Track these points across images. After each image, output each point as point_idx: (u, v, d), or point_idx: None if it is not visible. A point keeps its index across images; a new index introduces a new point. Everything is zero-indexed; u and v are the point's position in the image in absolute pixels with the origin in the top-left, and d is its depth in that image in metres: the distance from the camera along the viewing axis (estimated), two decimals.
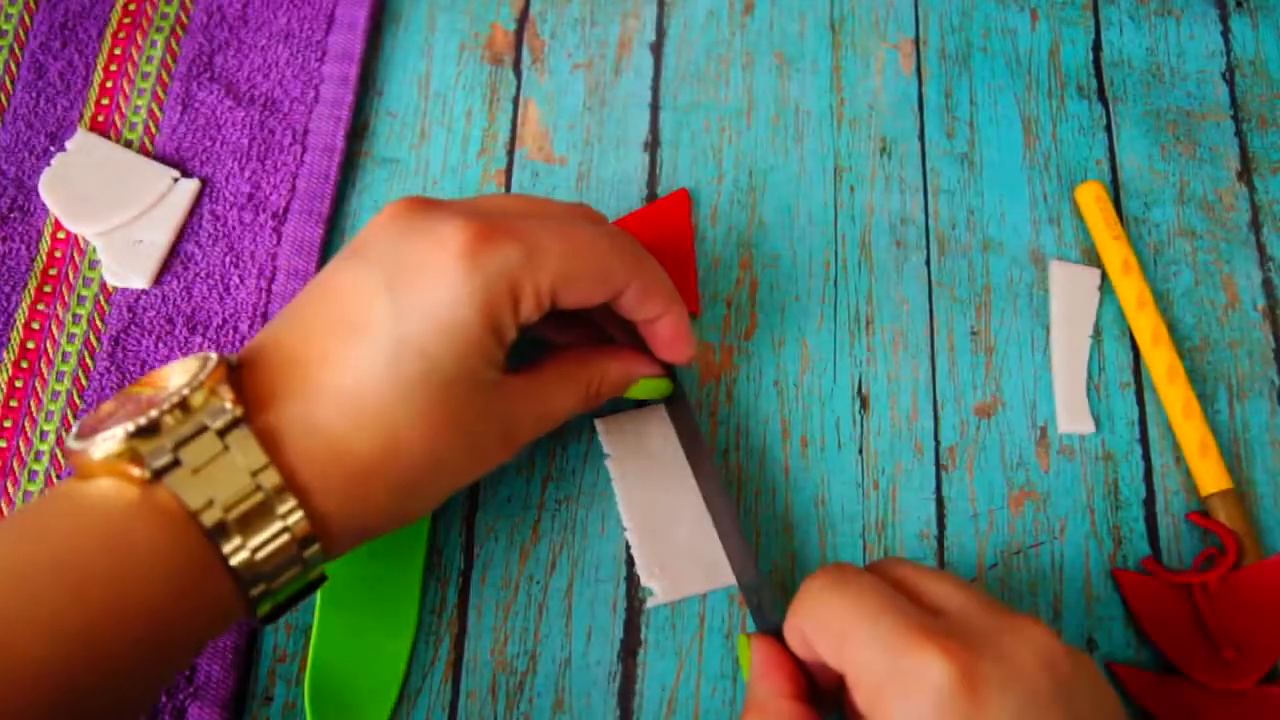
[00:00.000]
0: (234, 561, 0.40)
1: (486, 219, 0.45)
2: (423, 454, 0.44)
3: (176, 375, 0.43)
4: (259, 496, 0.40)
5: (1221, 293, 0.62)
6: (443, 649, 0.54)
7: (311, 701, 0.53)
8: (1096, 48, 0.68)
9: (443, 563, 0.56)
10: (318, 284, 0.46)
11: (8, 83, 0.65)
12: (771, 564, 0.56)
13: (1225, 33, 0.68)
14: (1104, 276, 0.62)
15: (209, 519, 0.40)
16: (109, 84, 0.65)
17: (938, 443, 0.59)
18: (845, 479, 0.58)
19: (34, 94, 0.64)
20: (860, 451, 0.59)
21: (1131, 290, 0.60)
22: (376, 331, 0.43)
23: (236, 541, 0.40)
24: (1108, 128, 0.66)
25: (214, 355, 0.43)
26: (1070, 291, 0.61)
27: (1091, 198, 0.62)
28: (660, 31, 0.68)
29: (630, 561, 0.56)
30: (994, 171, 0.64)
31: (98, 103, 0.64)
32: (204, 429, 0.41)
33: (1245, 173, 0.65)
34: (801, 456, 0.58)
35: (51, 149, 0.63)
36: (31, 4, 0.66)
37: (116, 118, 0.64)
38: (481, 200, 0.50)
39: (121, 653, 0.38)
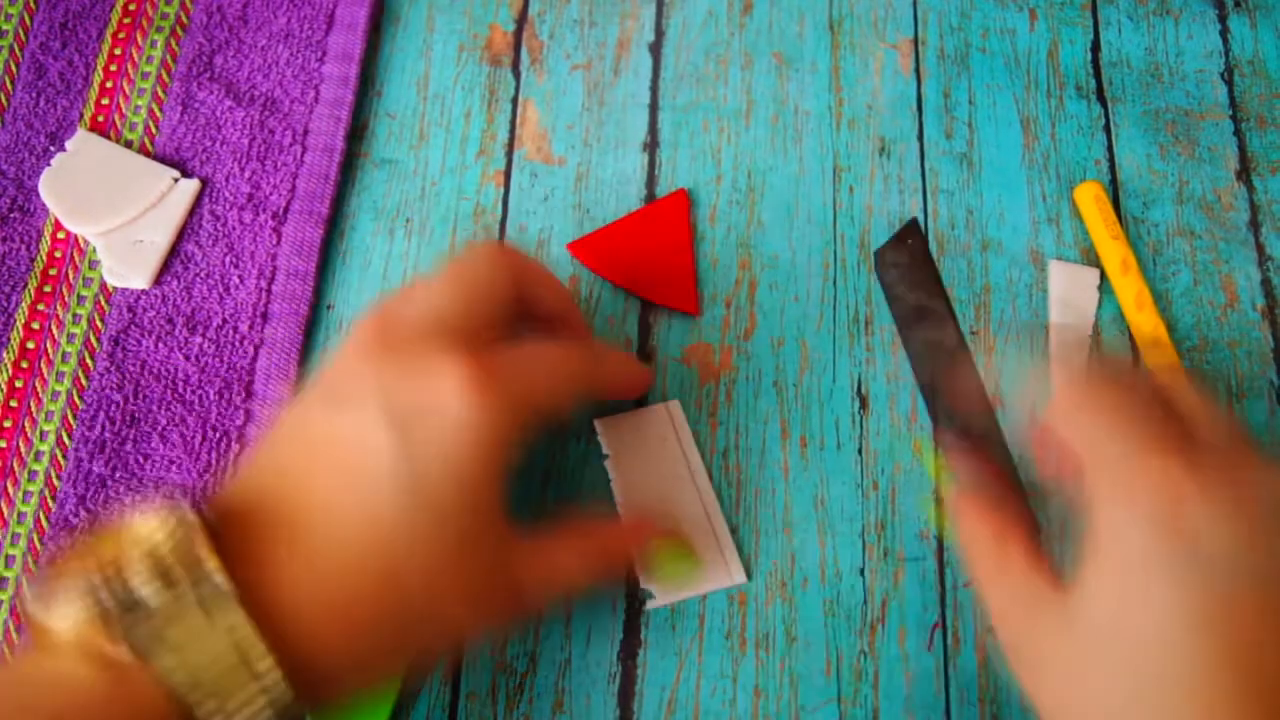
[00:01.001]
0: None
1: (471, 352, 0.43)
2: (425, 605, 0.42)
3: (150, 532, 0.38)
4: (247, 680, 0.37)
5: (1220, 293, 0.61)
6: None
7: None
8: (1095, 48, 0.67)
9: None
10: (301, 431, 0.44)
11: (8, 83, 0.64)
12: (771, 564, 0.55)
13: (1224, 32, 0.67)
14: (1103, 276, 0.61)
15: (193, 700, 0.36)
16: (109, 84, 0.64)
17: (937, 443, 0.57)
18: (845, 479, 0.57)
19: (34, 94, 0.63)
20: (860, 452, 0.57)
21: (1130, 290, 0.59)
22: (387, 480, 0.41)
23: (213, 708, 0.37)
24: (1106, 128, 0.64)
25: (189, 513, 0.39)
26: (1069, 291, 0.60)
27: (1090, 198, 0.61)
28: (659, 32, 0.66)
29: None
30: (993, 171, 0.63)
31: (98, 103, 0.64)
32: (188, 604, 0.37)
33: (1244, 172, 0.63)
34: (801, 457, 0.57)
35: (51, 149, 0.62)
36: (31, 4, 0.65)
37: (116, 118, 0.63)
38: (432, 305, 0.46)
39: None
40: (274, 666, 0.37)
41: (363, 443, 0.41)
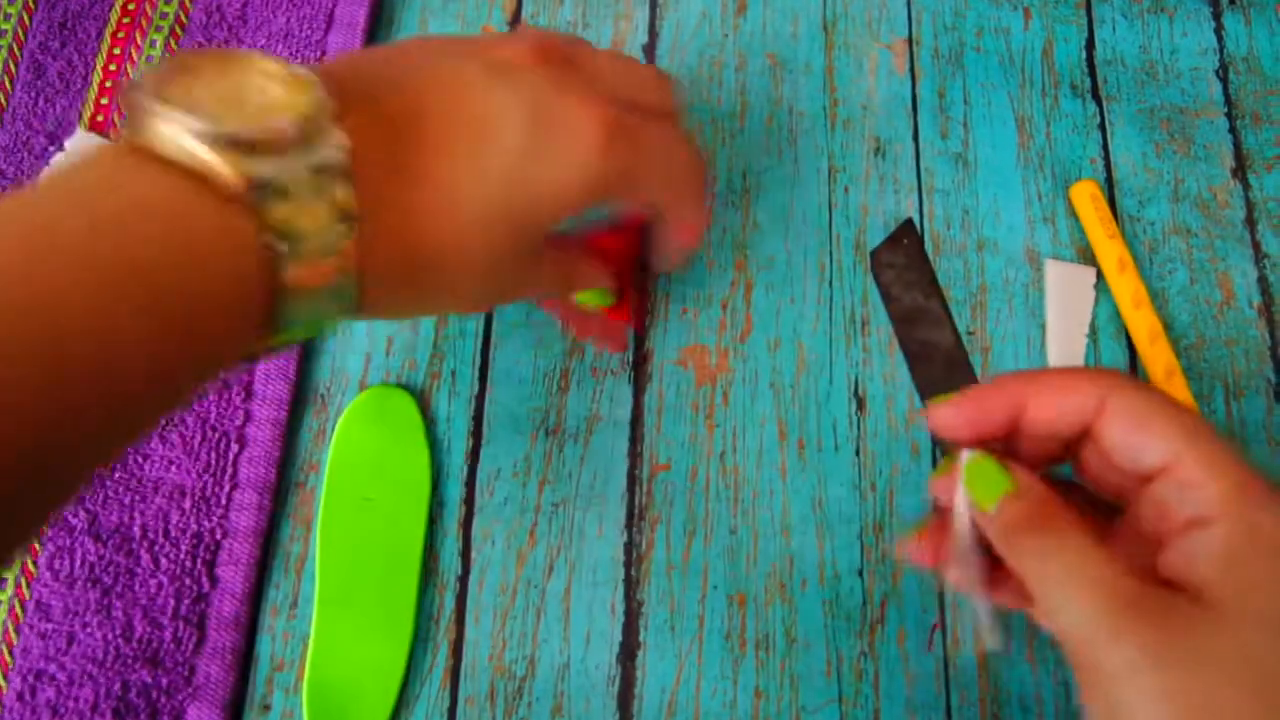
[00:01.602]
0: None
1: (618, 117, 0.44)
2: (472, 268, 0.43)
3: (283, 91, 0.37)
4: (331, 220, 0.36)
5: (1217, 290, 0.60)
6: (441, 655, 0.53)
7: (310, 708, 0.52)
8: (1090, 46, 0.66)
9: (440, 569, 0.55)
10: (455, 77, 0.44)
11: (7, 83, 0.63)
12: (770, 565, 0.54)
13: (1218, 30, 0.66)
14: (1099, 275, 0.60)
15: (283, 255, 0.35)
16: (108, 84, 0.63)
17: (935, 444, 0.56)
18: (842, 480, 0.56)
19: (33, 94, 0.63)
20: (857, 453, 0.57)
21: (1127, 289, 0.59)
22: (504, 154, 0.42)
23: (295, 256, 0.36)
24: (1101, 126, 0.64)
25: (319, 86, 0.37)
26: (1066, 291, 0.60)
27: (1086, 196, 0.61)
28: (653, 33, 0.66)
29: (629, 563, 0.55)
30: (988, 171, 0.62)
31: (97, 102, 0.63)
32: (314, 170, 0.36)
33: (1239, 170, 0.63)
34: (799, 458, 0.56)
35: (50, 149, 0.62)
36: (31, 4, 0.65)
37: (116, 117, 0.63)
38: (594, 61, 0.48)
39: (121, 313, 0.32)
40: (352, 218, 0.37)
41: (501, 110, 0.42)
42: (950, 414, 0.41)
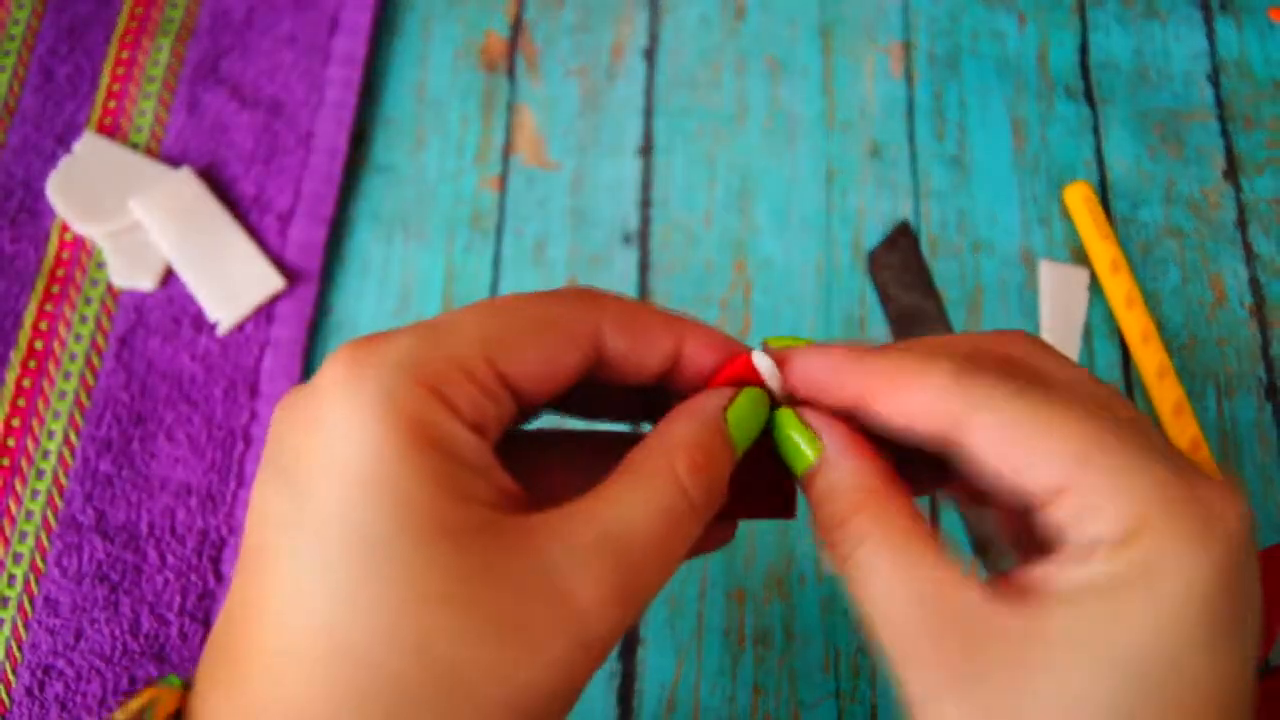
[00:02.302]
0: None
1: (367, 341, 0.30)
2: (423, 675, 0.26)
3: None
4: None
5: (1209, 291, 0.60)
6: None
7: None
8: (1084, 50, 0.66)
9: None
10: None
11: (16, 86, 0.63)
12: (768, 563, 0.54)
13: (1210, 34, 0.66)
14: (1093, 276, 0.60)
15: None
16: (116, 87, 0.63)
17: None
18: None
19: (42, 97, 0.62)
20: None
21: (1120, 289, 0.58)
22: (285, 540, 0.28)
23: None
24: (1095, 129, 0.63)
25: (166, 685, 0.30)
26: (1060, 291, 0.60)
27: (1080, 198, 0.61)
28: (653, 37, 0.65)
29: None
30: (983, 173, 0.62)
31: (105, 106, 0.63)
32: None
33: (1231, 172, 0.62)
34: None
35: (59, 151, 0.61)
36: (39, 8, 0.64)
37: (123, 120, 0.62)
38: (418, 336, 0.31)
39: None
40: None
41: (264, 520, 0.28)
42: (793, 372, 0.33)
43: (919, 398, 0.30)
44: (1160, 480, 0.27)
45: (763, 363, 0.32)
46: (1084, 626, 0.27)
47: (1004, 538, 0.35)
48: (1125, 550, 0.27)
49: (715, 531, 0.36)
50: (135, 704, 0.29)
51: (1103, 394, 0.31)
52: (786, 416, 0.33)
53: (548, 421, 0.35)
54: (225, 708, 0.27)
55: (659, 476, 0.30)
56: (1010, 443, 0.29)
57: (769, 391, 0.33)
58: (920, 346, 0.32)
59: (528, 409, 0.32)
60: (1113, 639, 0.27)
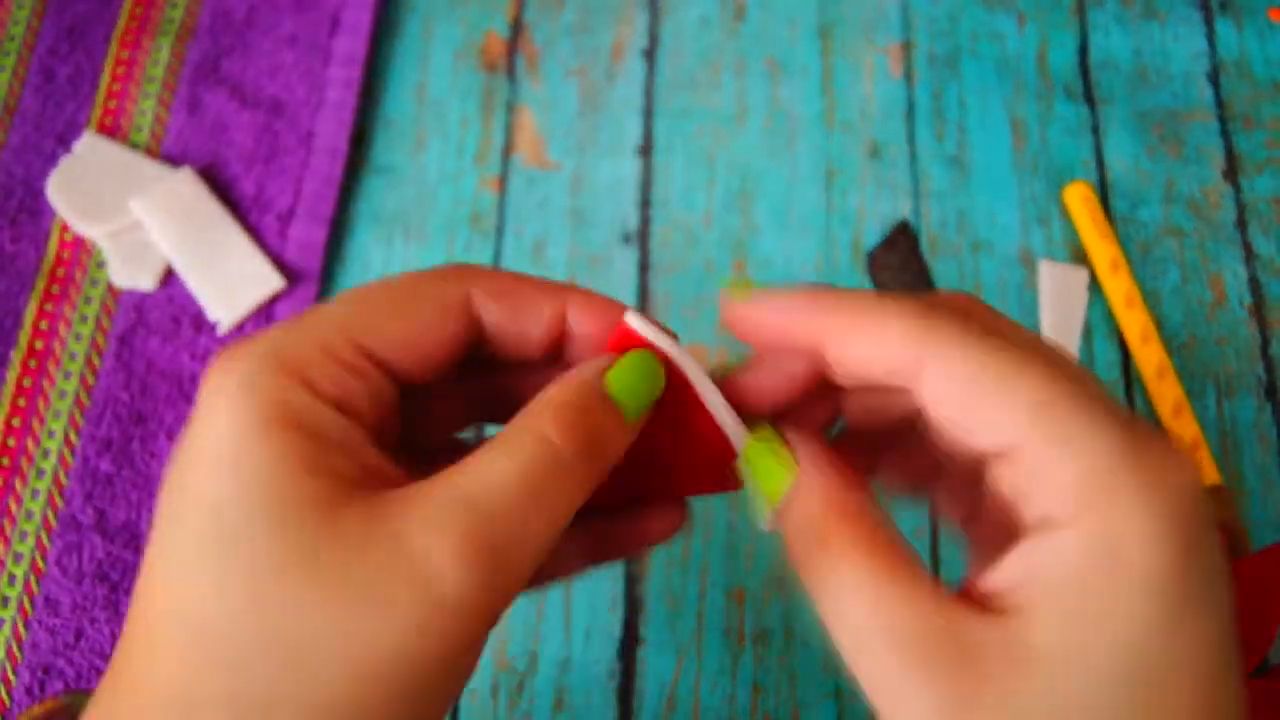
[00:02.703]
0: None
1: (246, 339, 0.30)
2: (241, 638, 0.26)
3: None
4: None
5: (1209, 290, 0.60)
6: None
7: None
8: (1083, 50, 0.65)
9: None
10: None
11: (16, 86, 0.63)
12: (768, 561, 0.54)
13: (1209, 34, 0.66)
14: (1093, 276, 0.60)
15: None
16: (116, 87, 0.63)
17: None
18: None
19: (42, 97, 0.62)
20: None
21: (1120, 289, 0.58)
22: (157, 529, 0.28)
23: None
24: (1095, 129, 0.63)
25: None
26: (1060, 291, 0.59)
27: (1079, 198, 0.60)
28: (653, 38, 0.65)
29: (629, 559, 0.54)
30: (983, 173, 0.62)
31: (105, 106, 0.63)
32: None
33: (1231, 172, 0.62)
34: None
35: (59, 151, 0.61)
36: (40, 8, 0.64)
37: (124, 120, 0.62)
38: (283, 328, 0.32)
39: None
40: None
41: (155, 519, 0.29)
42: (740, 317, 0.32)
43: (880, 337, 0.29)
44: (1113, 441, 0.26)
45: (637, 323, 0.32)
46: (1062, 629, 0.26)
47: (954, 515, 0.34)
48: (1084, 529, 0.26)
49: (664, 517, 0.35)
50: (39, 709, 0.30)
51: (1054, 353, 0.29)
52: (766, 442, 0.32)
53: None
54: (104, 698, 0.28)
55: (522, 435, 0.29)
56: (966, 390, 0.28)
57: (659, 352, 0.32)
58: (875, 294, 0.31)
59: (412, 386, 0.32)
60: (1093, 637, 0.26)
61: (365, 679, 0.26)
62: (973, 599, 0.28)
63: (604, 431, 0.30)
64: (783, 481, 0.31)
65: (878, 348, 0.29)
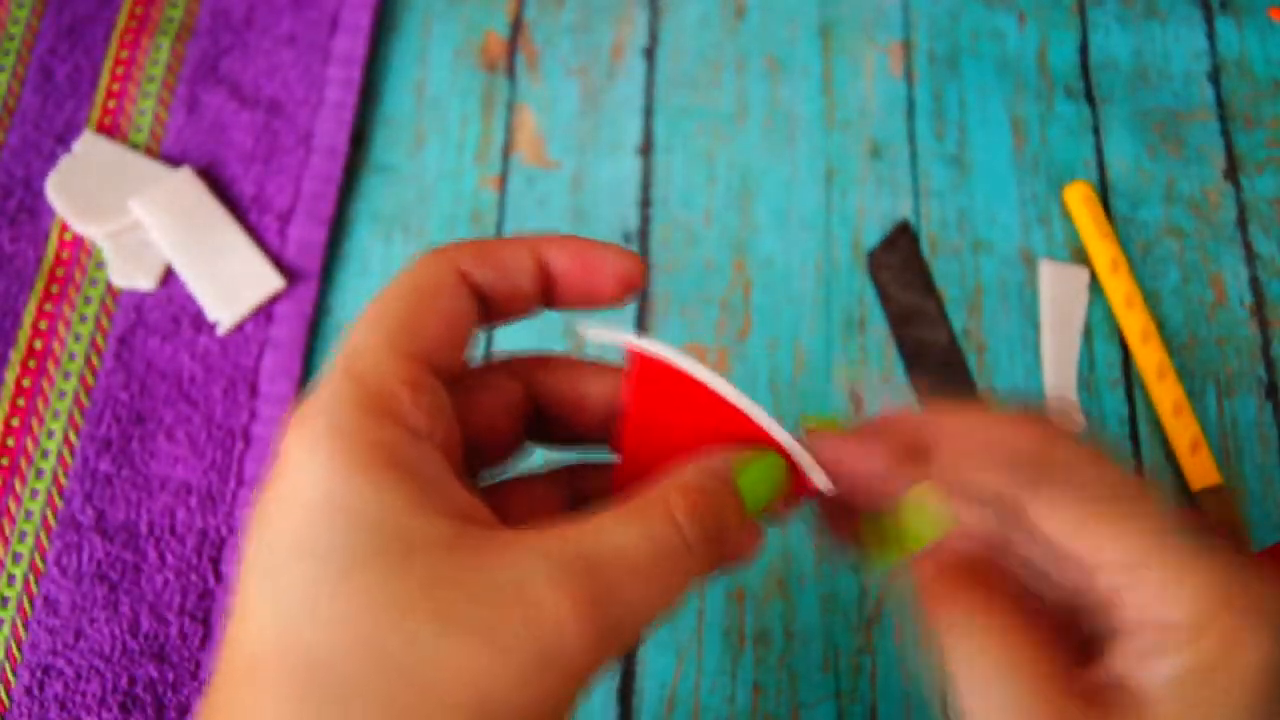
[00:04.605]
0: None
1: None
2: (356, 672, 0.26)
3: None
4: None
5: (1209, 290, 0.60)
6: None
7: None
8: (1084, 50, 0.65)
9: None
10: None
11: (15, 85, 0.63)
12: (768, 561, 0.54)
13: (1210, 34, 0.66)
14: (1093, 275, 0.60)
15: None
16: (116, 87, 0.63)
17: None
18: None
19: (41, 96, 0.62)
20: None
21: (1120, 289, 0.58)
22: (251, 574, 0.28)
23: None
24: (1095, 128, 0.63)
25: None
26: (1060, 291, 0.59)
27: (1080, 198, 0.60)
28: (653, 37, 0.65)
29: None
30: (983, 173, 0.62)
31: (104, 105, 0.62)
32: None
33: (1231, 172, 0.62)
34: None
35: (59, 151, 0.61)
36: (39, 7, 0.64)
37: (123, 120, 0.62)
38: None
39: None
40: None
41: (242, 567, 0.28)
42: (845, 456, 0.33)
43: (975, 486, 0.31)
44: (1221, 572, 0.29)
45: (646, 345, 0.32)
46: (1181, 716, 0.28)
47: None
48: (1198, 641, 0.28)
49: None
50: None
51: (1134, 484, 0.31)
52: (925, 492, 0.32)
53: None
54: None
55: (651, 509, 0.29)
56: (1091, 513, 0.30)
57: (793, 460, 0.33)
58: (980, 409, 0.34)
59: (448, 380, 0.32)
60: None
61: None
62: (1086, 690, 0.30)
63: (727, 522, 0.31)
64: (937, 530, 0.32)
65: (995, 471, 0.31)
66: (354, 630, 0.26)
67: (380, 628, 0.26)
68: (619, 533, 0.28)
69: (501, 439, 0.33)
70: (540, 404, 0.34)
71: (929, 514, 0.32)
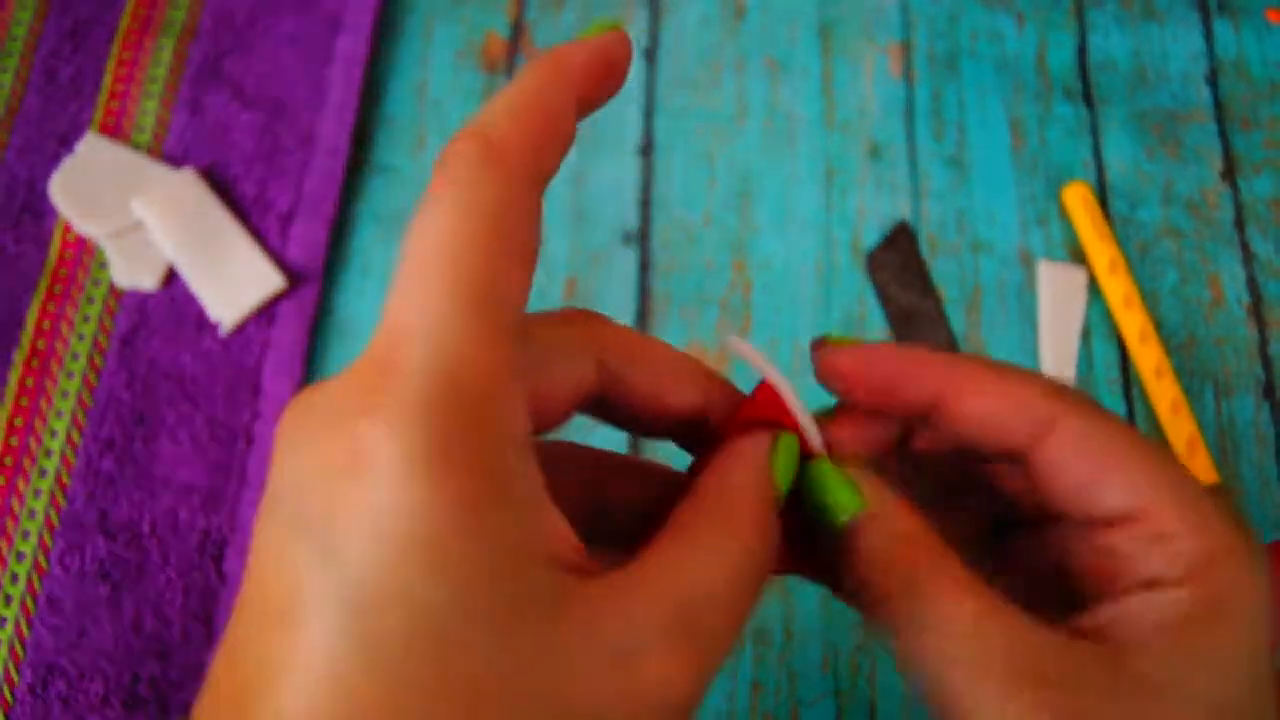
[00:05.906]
0: None
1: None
2: None
3: None
4: None
5: (1207, 291, 0.60)
6: None
7: None
8: (1082, 51, 0.65)
9: None
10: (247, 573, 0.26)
11: (19, 87, 0.63)
12: None
13: (1208, 35, 0.66)
14: (1091, 276, 0.60)
15: None
16: (118, 88, 0.63)
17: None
18: None
19: (44, 98, 0.62)
20: None
21: (1118, 289, 0.58)
22: (314, 606, 0.23)
23: None
24: (1093, 129, 0.63)
25: None
26: (1058, 291, 0.59)
27: (1078, 199, 0.60)
28: (653, 37, 0.65)
29: None
30: (982, 173, 0.62)
31: (107, 106, 0.62)
32: None
33: (1229, 172, 0.62)
34: None
35: (62, 152, 0.61)
36: (42, 9, 0.64)
37: (126, 121, 0.62)
38: None
39: None
40: None
41: (280, 567, 0.24)
42: (850, 367, 0.32)
43: (1012, 395, 0.30)
44: (1225, 523, 0.28)
45: (803, 416, 0.31)
46: (1173, 666, 0.27)
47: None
48: (1198, 585, 0.28)
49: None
50: None
51: (1140, 437, 0.30)
52: (827, 466, 0.31)
53: None
54: None
55: (727, 536, 0.27)
56: (1090, 456, 0.29)
57: (800, 436, 0.31)
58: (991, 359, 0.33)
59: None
60: (1202, 676, 0.27)
61: None
62: (1073, 630, 0.29)
63: (776, 523, 0.29)
64: (853, 503, 0.30)
65: (1008, 405, 0.30)
66: (439, 707, 0.23)
67: (474, 711, 0.23)
68: (703, 572, 0.26)
69: (554, 419, 0.29)
70: (607, 390, 0.30)
71: (840, 485, 0.30)
